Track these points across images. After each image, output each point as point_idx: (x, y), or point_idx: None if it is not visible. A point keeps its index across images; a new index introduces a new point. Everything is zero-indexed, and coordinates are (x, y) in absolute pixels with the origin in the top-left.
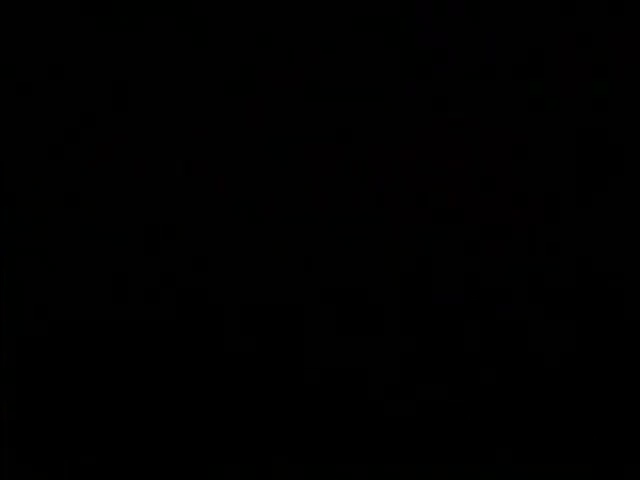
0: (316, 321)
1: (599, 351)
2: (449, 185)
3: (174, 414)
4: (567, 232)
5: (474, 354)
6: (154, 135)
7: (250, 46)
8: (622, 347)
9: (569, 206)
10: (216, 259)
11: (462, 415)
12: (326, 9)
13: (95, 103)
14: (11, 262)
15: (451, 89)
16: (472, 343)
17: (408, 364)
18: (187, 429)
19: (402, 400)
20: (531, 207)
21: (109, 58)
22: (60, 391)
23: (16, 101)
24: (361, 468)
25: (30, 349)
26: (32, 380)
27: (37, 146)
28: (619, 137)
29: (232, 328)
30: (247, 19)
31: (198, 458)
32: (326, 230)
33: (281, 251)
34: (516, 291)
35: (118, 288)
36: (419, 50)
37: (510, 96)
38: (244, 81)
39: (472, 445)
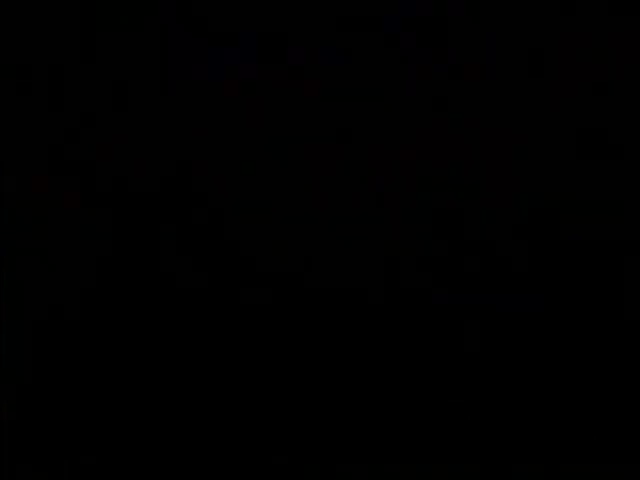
0: (315, 321)
1: (601, 350)
2: (449, 185)
3: (174, 414)
4: (567, 232)
5: (474, 354)
6: (154, 134)
7: (250, 46)
8: (623, 347)
9: (569, 206)
10: (216, 259)
11: (462, 415)
12: (326, 8)
13: (95, 103)
14: (11, 262)
15: (451, 89)
16: (472, 343)
17: (408, 363)
18: (187, 429)
19: (402, 400)
20: (530, 207)
21: (109, 58)
22: (60, 391)
23: (16, 101)
24: (361, 468)
25: (29, 349)
26: (32, 380)
27: (37, 146)
28: (619, 137)
29: (231, 327)
30: (247, 18)
31: (198, 458)
32: (326, 230)
33: (280, 250)
34: (515, 291)
35: (117, 289)
36: (419, 50)
37: (510, 96)
38: (243, 81)
39: (472, 445)
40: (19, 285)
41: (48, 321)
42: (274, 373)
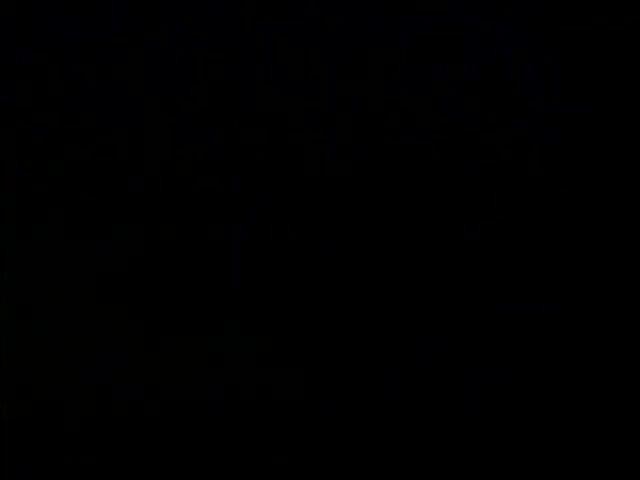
0: (311, 323)
1: (604, 353)
2: (448, 185)
3: (173, 413)
4: (569, 234)
5: (474, 357)
6: (154, 133)
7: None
8: (626, 350)
9: (569, 208)
10: (216, 263)
11: (461, 424)
12: (327, 9)
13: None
14: (11, 262)
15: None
16: (471, 347)
17: (408, 371)
18: (187, 428)
19: (401, 405)
20: (530, 208)
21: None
22: (60, 390)
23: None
24: (360, 468)
25: (29, 348)
26: (32, 379)
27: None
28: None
29: (230, 328)
30: (246, 17)
31: (198, 457)
32: (325, 230)
33: (278, 249)
34: (515, 291)
35: (117, 290)
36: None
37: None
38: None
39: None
40: (19, 285)
41: (48, 320)
42: (275, 373)
